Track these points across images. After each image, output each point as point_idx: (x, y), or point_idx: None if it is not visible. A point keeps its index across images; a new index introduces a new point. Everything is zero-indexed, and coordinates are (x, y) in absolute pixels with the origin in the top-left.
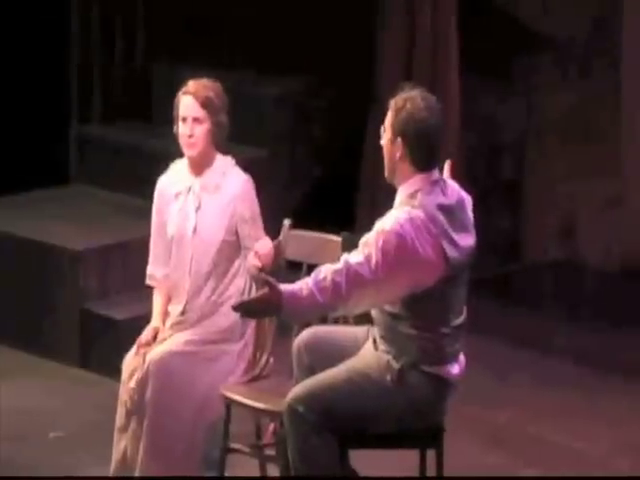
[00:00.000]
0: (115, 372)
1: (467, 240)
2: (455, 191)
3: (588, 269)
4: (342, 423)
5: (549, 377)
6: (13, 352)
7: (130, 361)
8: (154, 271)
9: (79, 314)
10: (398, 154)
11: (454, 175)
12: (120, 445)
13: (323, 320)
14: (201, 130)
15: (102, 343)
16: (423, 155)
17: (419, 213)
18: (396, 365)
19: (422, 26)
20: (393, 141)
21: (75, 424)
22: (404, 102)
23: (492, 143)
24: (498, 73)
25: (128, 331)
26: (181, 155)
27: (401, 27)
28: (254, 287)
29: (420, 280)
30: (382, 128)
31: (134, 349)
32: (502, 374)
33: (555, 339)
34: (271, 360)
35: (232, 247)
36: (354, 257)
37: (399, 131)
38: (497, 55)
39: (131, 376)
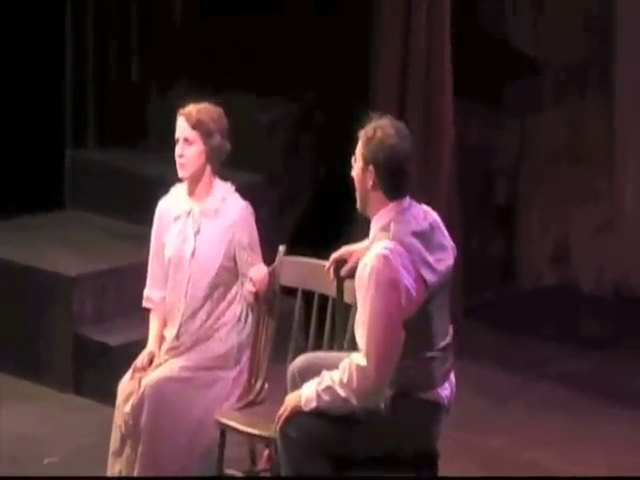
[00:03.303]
0: (109, 398)
1: (445, 261)
2: (427, 214)
3: (581, 294)
4: (335, 449)
5: (543, 403)
6: (7, 378)
7: (125, 385)
8: (151, 293)
9: (73, 340)
10: (370, 183)
11: None
12: (114, 469)
13: (317, 346)
14: (191, 151)
15: (96, 369)
16: (394, 182)
17: (395, 246)
18: (388, 392)
19: (416, 49)
20: (365, 170)
21: (69, 449)
22: (374, 131)
23: (485, 168)
24: (491, 97)
25: (122, 357)
26: (178, 180)
27: (395, 50)
28: (250, 315)
29: (406, 312)
30: (353, 159)
31: (129, 373)
32: (496, 400)
33: (549, 364)
34: (266, 386)
35: (230, 273)
36: (360, 360)
37: (370, 159)
38: (490, 79)
39: (126, 400)
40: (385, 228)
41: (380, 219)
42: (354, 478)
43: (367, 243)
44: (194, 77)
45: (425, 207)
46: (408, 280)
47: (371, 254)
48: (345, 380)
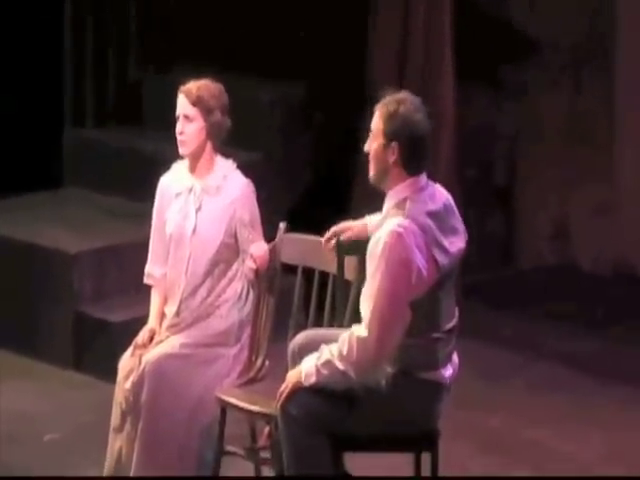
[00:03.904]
0: (109, 374)
1: (457, 244)
2: (442, 194)
3: (581, 273)
4: (336, 426)
5: (542, 381)
6: (7, 355)
7: (126, 362)
8: (152, 270)
9: (73, 317)
10: (392, 159)
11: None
12: (115, 445)
13: (317, 324)
14: (192, 128)
15: (96, 345)
16: (416, 158)
17: (410, 224)
18: (390, 370)
19: (415, 30)
20: (387, 146)
21: (69, 426)
22: (397, 106)
23: (485, 148)
24: (490, 79)
25: (122, 334)
26: (179, 157)
27: (394, 30)
28: (251, 292)
29: (415, 291)
30: (370, 133)
31: (130, 350)
32: (495, 378)
33: (548, 344)
34: (266, 363)
35: (231, 250)
36: (361, 331)
37: (394, 135)
38: (489, 61)
39: (127, 377)
40: (400, 205)
41: (396, 195)
42: (351, 478)
43: (377, 218)
44: (193, 58)
45: (439, 187)
46: (420, 260)
47: (385, 230)
48: (345, 352)
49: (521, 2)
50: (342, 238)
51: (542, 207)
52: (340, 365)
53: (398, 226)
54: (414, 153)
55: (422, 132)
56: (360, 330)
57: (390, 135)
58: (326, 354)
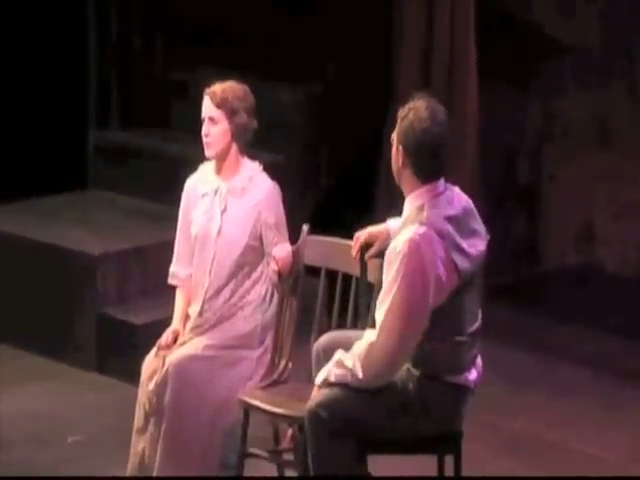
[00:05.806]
0: (133, 376)
1: (477, 246)
2: (461, 198)
3: (605, 274)
4: (362, 428)
5: (565, 384)
6: (31, 356)
7: (150, 363)
8: (177, 270)
9: (97, 318)
10: (400, 162)
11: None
12: (138, 447)
13: (341, 325)
14: (217, 130)
15: (119, 347)
16: (424, 165)
17: (427, 231)
18: (415, 372)
19: (441, 29)
20: (397, 148)
21: (93, 428)
22: (407, 111)
23: (509, 148)
24: (515, 78)
25: (146, 336)
26: (202, 160)
27: (419, 27)
28: (275, 295)
29: (436, 299)
30: (392, 136)
31: (154, 351)
32: (518, 380)
33: (572, 345)
34: (290, 365)
35: (256, 252)
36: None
37: (400, 140)
38: (514, 60)
39: (150, 378)
40: (418, 212)
41: (415, 199)
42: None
43: (399, 222)
44: (217, 57)
45: (458, 190)
46: (439, 268)
47: (403, 237)
48: (356, 353)
49: (548, 2)
50: (366, 258)
51: (567, 207)
52: (349, 364)
53: (415, 234)
54: (419, 159)
55: (427, 141)
56: (372, 335)
57: (398, 139)
58: (339, 354)
